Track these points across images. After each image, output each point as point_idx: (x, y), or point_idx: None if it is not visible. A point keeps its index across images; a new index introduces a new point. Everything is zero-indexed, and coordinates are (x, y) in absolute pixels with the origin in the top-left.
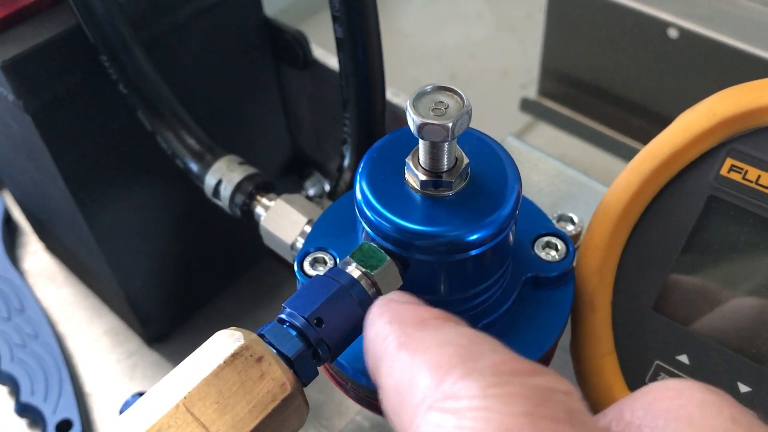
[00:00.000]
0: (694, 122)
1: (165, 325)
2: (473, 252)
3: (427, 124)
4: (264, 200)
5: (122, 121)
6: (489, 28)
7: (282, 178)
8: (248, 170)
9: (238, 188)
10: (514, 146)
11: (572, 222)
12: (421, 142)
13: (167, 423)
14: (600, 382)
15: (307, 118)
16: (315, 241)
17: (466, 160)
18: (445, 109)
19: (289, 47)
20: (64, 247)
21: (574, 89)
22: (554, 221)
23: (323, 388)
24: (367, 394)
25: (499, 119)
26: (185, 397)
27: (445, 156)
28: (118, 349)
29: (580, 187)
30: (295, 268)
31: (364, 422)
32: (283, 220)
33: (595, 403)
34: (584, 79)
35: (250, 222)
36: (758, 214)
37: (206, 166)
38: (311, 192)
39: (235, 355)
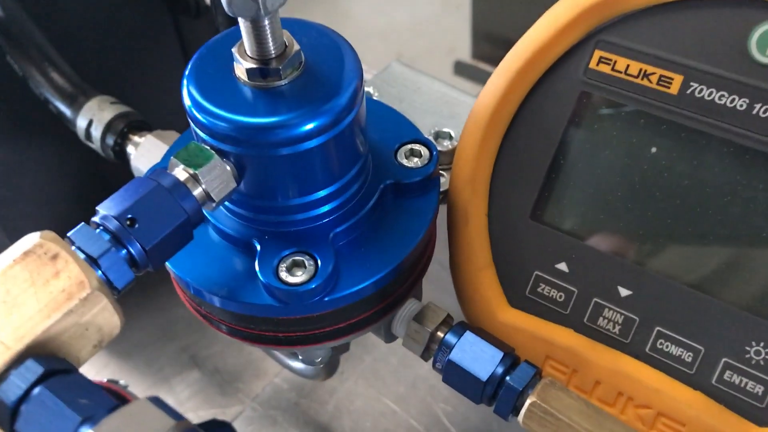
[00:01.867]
0: (558, 15)
1: None
2: (309, 144)
3: None
4: (136, 138)
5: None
6: (435, 6)
7: None
8: (120, 108)
9: (108, 127)
10: (399, 71)
11: (449, 137)
12: (241, 24)
13: None
14: (478, 296)
15: None
16: (165, 161)
17: (296, 47)
18: None
19: None
20: None
21: (506, 50)
22: (432, 138)
23: (241, 353)
24: (227, 320)
25: None
26: None
27: (269, 38)
28: None
29: (464, 107)
30: None
31: (282, 384)
32: (153, 156)
33: (475, 318)
34: (516, 39)
35: (127, 165)
36: (630, 106)
37: (78, 107)
38: None
39: (27, 253)
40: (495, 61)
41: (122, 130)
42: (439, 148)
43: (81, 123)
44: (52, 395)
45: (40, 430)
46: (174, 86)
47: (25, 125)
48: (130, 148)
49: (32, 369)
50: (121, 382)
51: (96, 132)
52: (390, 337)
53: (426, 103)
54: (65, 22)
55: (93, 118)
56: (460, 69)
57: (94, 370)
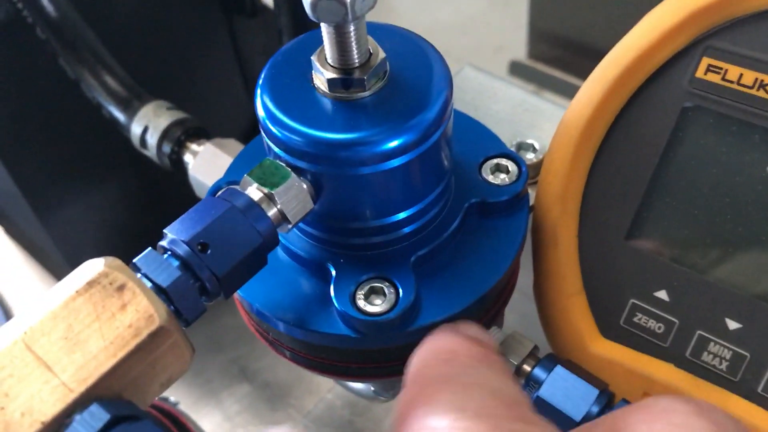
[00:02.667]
0: (662, 18)
1: None
2: (393, 162)
3: (322, 0)
4: (193, 146)
5: (49, 75)
6: (481, 3)
7: (246, 143)
8: (177, 115)
9: (165, 135)
10: (472, 76)
11: (533, 150)
12: (324, 30)
13: (1, 363)
14: (568, 325)
15: None
16: (231, 174)
17: (381, 54)
18: None
19: None
20: (15, 227)
21: (564, 51)
22: (514, 150)
23: (293, 367)
24: (296, 348)
25: None
26: (26, 332)
27: (354, 45)
28: None
29: (545, 115)
30: None
31: (335, 401)
32: (213, 166)
33: (563, 349)
34: (574, 39)
35: (183, 174)
36: (743, 119)
37: (132, 113)
38: None
39: (91, 283)
40: (552, 62)
41: (179, 137)
42: None
43: (136, 129)
44: None
45: None
46: (226, 88)
47: (74, 129)
48: (187, 157)
49: (97, 415)
50: (171, 399)
51: (152, 139)
52: None
53: (503, 111)
54: (116, 21)
55: (149, 125)
56: (516, 69)
57: None
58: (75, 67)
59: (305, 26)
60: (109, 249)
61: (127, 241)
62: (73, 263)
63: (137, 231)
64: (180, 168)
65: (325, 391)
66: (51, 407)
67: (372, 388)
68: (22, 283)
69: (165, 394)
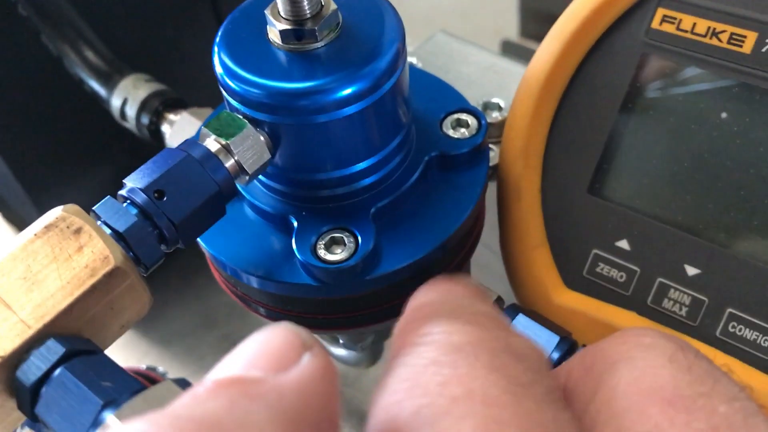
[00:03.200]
0: None
1: None
2: (347, 110)
3: None
4: (171, 116)
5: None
6: None
7: None
8: (155, 86)
9: (143, 106)
10: (444, 41)
11: (498, 108)
12: None
13: None
14: (532, 277)
15: None
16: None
17: (333, 6)
18: None
19: None
20: (11, 211)
21: None
22: (480, 109)
23: None
24: (265, 302)
25: None
26: None
27: None
28: None
29: (514, 77)
30: None
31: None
32: (188, 134)
33: (528, 300)
34: None
35: (162, 144)
36: (699, 68)
37: (112, 86)
38: None
39: (48, 227)
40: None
41: (157, 108)
42: (488, 120)
43: (115, 102)
44: (73, 377)
45: (60, 413)
46: (209, 61)
47: (63, 110)
48: (165, 127)
49: (53, 349)
50: (160, 369)
51: (131, 111)
52: None
53: (473, 74)
54: (103, 6)
55: (128, 97)
56: (508, 48)
57: (135, 358)
58: (57, 43)
59: None
60: None
61: None
62: None
63: None
64: (159, 138)
65: None
66: (10, 342)
67: (342, 341)
68: None
69: (155, 365)
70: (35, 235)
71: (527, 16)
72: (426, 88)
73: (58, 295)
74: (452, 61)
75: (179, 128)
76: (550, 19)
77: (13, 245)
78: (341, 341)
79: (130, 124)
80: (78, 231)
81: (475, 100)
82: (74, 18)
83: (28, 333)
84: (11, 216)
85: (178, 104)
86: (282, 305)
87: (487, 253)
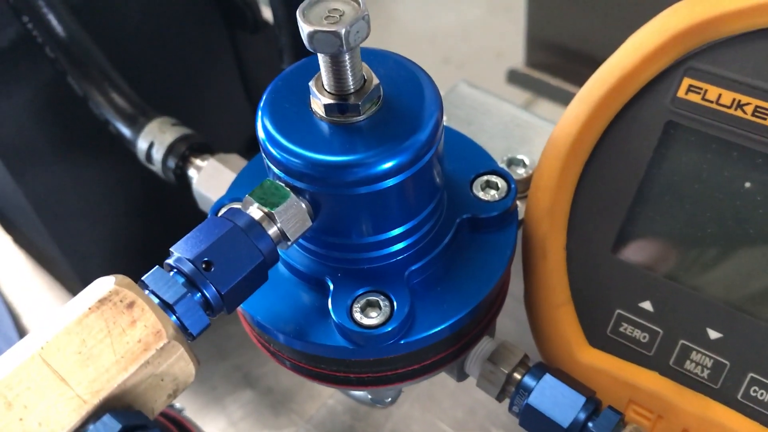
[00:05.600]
0: (645, 40)
1: None
2: (388, 183)
3: (318, 32)
4: (197, 161)
5: (57, 91)
6: (482, 9)
7: (247, 154)
8: (181, 131)
9: (170, 150)
10: (466, 92)
11: (523, 165)
12: (320, 59)
13: (20, 376)
14: (556, 334)
15: None
16: (234, 192)
17: (375, 81)
18: (340, 16)
19: (238, 9)
20: (24, 236)
21: (562, 59)
22: (504, 166)
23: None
24: (296, 358)
25: None
26: (42, 348)
27: (349, 73)
28: None
29: (535, 130)
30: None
31: (337, 406)
32: (216, 181)
33: (552, 357)
34: (571, 47)
35: (187, 188)
36: (722, 137)
37: (138, 129)
38: None
39: (102, 301)
40: (549, 69)
41: (184, 153)
42: (513, 177)
43: (142, 145)
44: None
45: None
46: (228, 101)
47: (81, 144)
48: (191, 172)
49: (110, 425)
50: (177, 405)
51: (157, 155)
52: (462, 376)
53: (496, 127)
54: (122, 37)
55: (154, 141)
56: (514, 77)
57: None
58: (83, 84)
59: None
60: (116, 259)
61: (132, 251)
62: (81, 272)
63: (142, 242)
64: (184, 182)
65: (327, 396)
66: (66, 418)
67: (369, 396)
68: (31, 291)
69: None
70: (89, 309)
71: (533, 46)
72: (455, 147)
73: (112, 369)
74: (475, 113)
75: (207, 175)
76: (556, 49)
77: (66, 318)
78: (369, 396)
79: (156, 167)
80: (131, 305)
81: (498, 154)
82: (101, 60)
83: (85, 409)
84: (22, 240)
85: (204, 149)
86: (313, 363)
87: (514, 304)
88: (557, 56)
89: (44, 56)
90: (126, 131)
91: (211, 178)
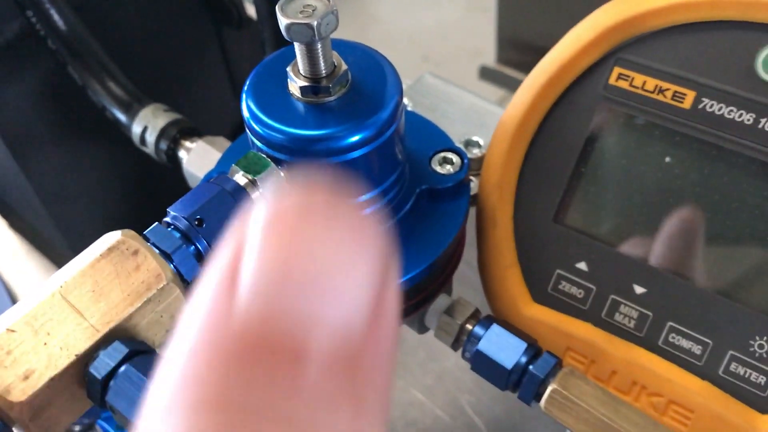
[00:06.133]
0: (581, 34)
1: None
2: (355, 154)
3: (294, 24)
4: (187, 143)
5: (58, 80)
6: (460, 9)
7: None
8: (173, 116)
9: (162, 133)
10: (431, 82)
11: (478, 146)
12: (296, 47)
13: (43, 310)
14: (504, 293)
15: None
16: (220, 166)
17: (344, 66)
18: (312, 10)
19: (224, 6)
20: (22, 220)
21: (532, 56)
22: (462, 146)
23: None
24: None
25: None
26: (61, 287)
27: (321, 60)
28: None
29: (493, 117)
30: None
31: None
32: (205, 161)
33: (501, 312)
34: (540, 44)
35: (178, 168)
36: (646, 119)
37: (133, 114)
38: None
39: (111, 249)
40: (519, 66)
41: (174, 135)
42: (469, 156)
43: (136, 129)
44: (136, 371)
45: (127, 401)
46: (214, 91)
47: (80, 129)
48: (182, 153)
49: (119, 349)
50: None
51: (150, 138)
52: (422, 329)
53: (457, 113)
54: (118, 32)
55: (148, 125)
56: (486, 74)
57: None
58: (82, 74)
59: (284, 40)
60: None
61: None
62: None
63: (135, 221)
64: (175, 162)
65: None
66: (83, 343)
67: None
68: (27, 271)
69: None
70: (101, 255)
71: (504, 44)
72: (418, 129)
73: (120, 305)
74: (438, 101)
75: (196, 155)
76: (525, 46)
77: (81, 263)
78: None
79: (149, 149)
80: (135, 252)
81: (458, 137)
82: (99, 52)
83: (97, 336)
84: (18, 223)
85: (193, 132)
86: None
87: (466, 268)
88: (526, 53)
89: (46, 48)
90: (122, 117)
91: (200, 158)
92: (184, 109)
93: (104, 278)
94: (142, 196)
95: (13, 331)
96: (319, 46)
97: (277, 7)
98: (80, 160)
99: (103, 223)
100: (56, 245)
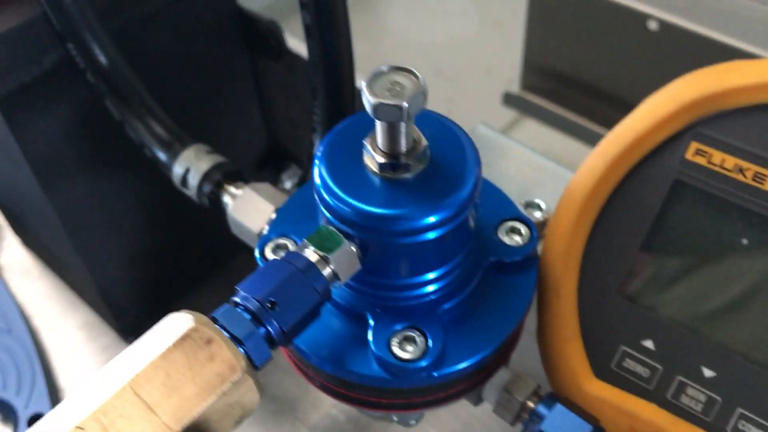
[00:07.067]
0: (659, 106)
1: (140, 318)
2: (431, 234)
3: (382, 104)
4: (232, 189)
5: (90, 111)
6: (473, 24)
7: (258, 171)
8: (216, 159)
9: (205, 177)
10: (484, 134)
11: (539, 209)
12: (377, 123)
13: (113, 405)
14: (565, 367)
15: (283, 110)
16: (278, 228)
17: (424, 142)
18: (401, 89)
19: (263, 37)
20: (38, 240)
21: (556, 83)
22: (521, 208)
23: (299, 382)
24: (330, 382)
25: (483, 114)
26: (132, 380)
27: (403, 137)
28: (93, 344)
29: (549, 174)
30: (257, 254)
31: (339, 416)
32: (250, 209)
33: (561, 387)
34: (566, 72)
35: (219, 211)
36: (723, 197)
37: (174, 155)
38: (288, 185)
39: (184, 337)
40: (544, 93)
41: (218, 180)
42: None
43: (178, 170)
44: None
45: None
46: (246, 121)
47: (109, 160)
48: (226, 198)
49: None
50: None
51: (193, 180)
52: (479, 402)
53: (511, 169)
54: (150, 60)
55: (190, 167)
56: (510, 100)
57: None
58: (121, 109)
59: (339, 86)
60: (132, 267)
61: (147, 260)
62: (98, 278)
63: (157, 251)
64: (218, 206)
65: (330, 406)
66: None
67: (395, 417)
68: (39, 291)
69: None
70: (174, 345)
71: (530, 70)
72: (483, 195)
73: (193, 400)
74: (492, 155)
75: (242, 203)
76: (552, 73)
77: (151, 353)
78: (395, 418)
79: (191, 191)
80: (209, 341)
81: (513, 195)
82: (140, 88)
83: None
84: (32, 242)
85: (237, 177)
86: (347, 388)
87: (527, 336)
88: (552, 81)
89: (82, 79)
90: (162, 156)
91: (245, 206)
92: (211, 138)
93: (177, 370)
94: (164, 228)
95: (81, 429)
96: (403, 124)
97: (363, 83)
98: (106, 191)
99: (124, 252)
100: (73, 269)
